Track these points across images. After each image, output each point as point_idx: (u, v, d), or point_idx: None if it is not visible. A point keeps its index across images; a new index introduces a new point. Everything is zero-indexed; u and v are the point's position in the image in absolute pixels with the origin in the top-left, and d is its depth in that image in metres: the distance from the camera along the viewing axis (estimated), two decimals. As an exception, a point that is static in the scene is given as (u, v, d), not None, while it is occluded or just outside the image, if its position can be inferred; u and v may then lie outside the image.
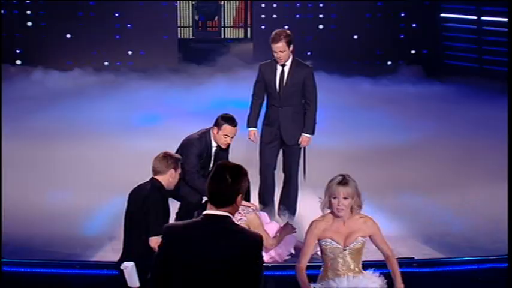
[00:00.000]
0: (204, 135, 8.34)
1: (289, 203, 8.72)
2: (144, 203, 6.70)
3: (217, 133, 8.22)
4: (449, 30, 18.78)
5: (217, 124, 8.26)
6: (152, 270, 4.40)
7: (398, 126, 12.97)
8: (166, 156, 6.93)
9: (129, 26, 18.53)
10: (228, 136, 8.21)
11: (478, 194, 9.50)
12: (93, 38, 18.33)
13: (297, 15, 18.95)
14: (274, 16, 18.84)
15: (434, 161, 11.01)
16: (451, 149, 11.46)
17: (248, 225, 6.97)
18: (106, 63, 18.43)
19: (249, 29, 21.28)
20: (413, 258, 7.55)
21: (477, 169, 10.46)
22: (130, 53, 18.56)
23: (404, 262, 7.26)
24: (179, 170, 7.00)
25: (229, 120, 8.24)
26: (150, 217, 6.62)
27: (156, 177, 6.87)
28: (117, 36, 18.59)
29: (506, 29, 16.37)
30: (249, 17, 21.14)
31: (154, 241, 6.44)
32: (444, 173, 10.47)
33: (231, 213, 4.39)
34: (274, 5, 18.88)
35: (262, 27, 18.83)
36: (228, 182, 4.35)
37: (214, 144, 8.32)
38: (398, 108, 14.19)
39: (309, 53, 17.51)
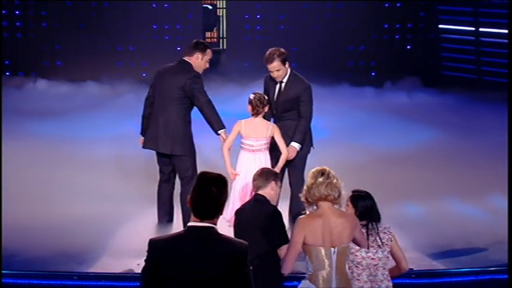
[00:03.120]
0: (185, 65, 8.35)
1: (292, 219, 8.50)
2: (258, 219, 6.56)
3: (202, 59, 8.30)
4: (448, 42, 18.83)
5: (199, 50, 8.31)
6: (141, 285, 4.39)
7: (397, 137, 12.96)
8: (263, 171, 6.95)
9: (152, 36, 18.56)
10: (209, 61, 8.39)
11: (477, 204, 9.50)
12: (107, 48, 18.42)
13: (292, 27, 19.00)
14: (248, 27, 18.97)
15: (432, 172, 11.00)
16: (450, 160, 11.46)
17: None
18: (121, 74, 18.48)
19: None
20: (411, 269, 7.53)
21: (476, 179, 10.45)
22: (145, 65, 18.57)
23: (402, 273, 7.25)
24: (279, 183, 7.00)
25: (208, 45, 8.43)
26: (272, 230, 6.50)
27: (258, 192, 6.83)
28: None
29: (504, 40, 16.42)
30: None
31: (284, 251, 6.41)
32: (442, 183, 10.46)
33: (215, 224, 4.39)
34: (246, 17, 18.97)
35: (237, 37, 18.93)
36: (214, 194, 4.36)
37: None
38: (397, 119, 14.20)
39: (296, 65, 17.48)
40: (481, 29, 17.98)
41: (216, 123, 8.35)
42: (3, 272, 6.96)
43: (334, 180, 5.57)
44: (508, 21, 15.68)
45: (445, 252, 8.28)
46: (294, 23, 18.84)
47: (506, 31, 16.39)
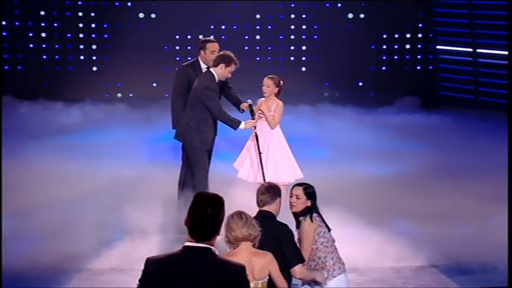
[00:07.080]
0: (193, 63, 9.47)
1: None
2: (267, 237, 6.18)
3: (206, 53, 9.30)
4: (446, 62, 18.92)
5: (201, 48, 9.36)
6: None
7: (395, 157, 12.98)
8: (271, 186, 6.76)
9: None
10: (215, 51, 9.25)
11: (475, 223, 9.49)
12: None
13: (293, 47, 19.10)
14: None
15: (430, 191, 10.99)
16: (449, 179, 11.45)
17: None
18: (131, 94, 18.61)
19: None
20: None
21: (475, 199, 10.44)
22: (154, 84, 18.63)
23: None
24: (281, 198, 6.79)
25: (209, 39, 9.50)
26: (286, 249, 6.39)
27: (264, 208, 6.63)
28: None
29: (501, 61, 16.53)
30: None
31: (299, 270, 6.35)
32: (441, 202, 10.45)
33: (212, 245, 4.34)
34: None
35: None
36: (209, 215, 4.30)
37: (204, 66, 9.33)
38: (395, 139, 14.23)
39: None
40: (478, 50, 18.09)
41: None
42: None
43: (253, 222, 5.91)
44: (507, 43, 15.78)
45: (444, 271, 8.27)
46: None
47: (503, 52, 16.49)
